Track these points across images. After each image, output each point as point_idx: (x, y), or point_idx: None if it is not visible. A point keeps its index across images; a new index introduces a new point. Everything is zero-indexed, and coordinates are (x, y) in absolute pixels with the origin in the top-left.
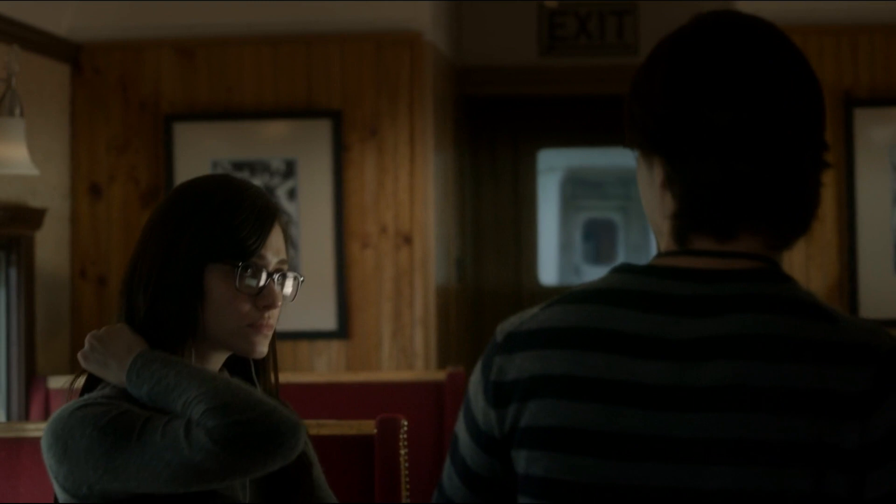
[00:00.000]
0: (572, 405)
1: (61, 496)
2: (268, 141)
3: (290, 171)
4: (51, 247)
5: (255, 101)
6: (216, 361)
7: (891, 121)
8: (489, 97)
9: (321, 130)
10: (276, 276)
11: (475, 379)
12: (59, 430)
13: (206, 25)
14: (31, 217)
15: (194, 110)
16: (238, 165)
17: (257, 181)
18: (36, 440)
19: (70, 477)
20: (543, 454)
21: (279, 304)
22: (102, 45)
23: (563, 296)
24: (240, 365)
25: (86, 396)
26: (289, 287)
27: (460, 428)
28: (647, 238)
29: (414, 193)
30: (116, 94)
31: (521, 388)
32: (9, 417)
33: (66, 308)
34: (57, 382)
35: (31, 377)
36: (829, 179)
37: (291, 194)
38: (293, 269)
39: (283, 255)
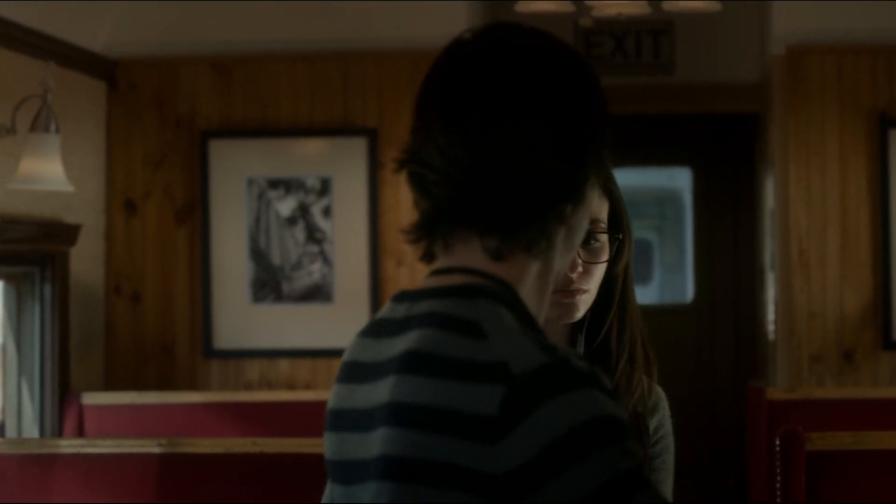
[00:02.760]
0: (329, 436)
1: None
2: (303, 158)
3: (325, 188)
4: (85, 263)
5: (290, 119)
6: (555, 331)
7: None
8: None
9: (357, 148)
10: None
11: None
12: None
13: (243, 42)
14: (65, 233)
15: (230, 127)
16: (273, 183)
17: (292, 199)
18: (69, 456)
19: None
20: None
21: (579, 269)
22: (139, 62)
23: None
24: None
25: None
26: (604, 248)
27: None
28: (682, 258)
29: None
30: (152, 111)
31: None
32: (42, 433)
33: (100, 324)
34: (91, 398)
35: (65, 393)
36: (863, 200)
37: (326, 212)
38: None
39: (596, 215)
